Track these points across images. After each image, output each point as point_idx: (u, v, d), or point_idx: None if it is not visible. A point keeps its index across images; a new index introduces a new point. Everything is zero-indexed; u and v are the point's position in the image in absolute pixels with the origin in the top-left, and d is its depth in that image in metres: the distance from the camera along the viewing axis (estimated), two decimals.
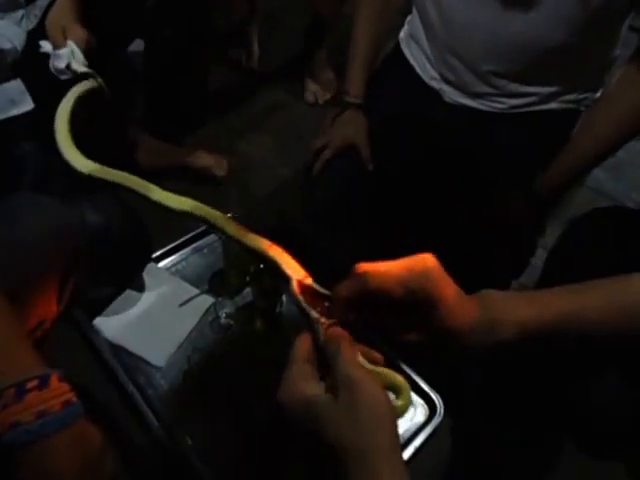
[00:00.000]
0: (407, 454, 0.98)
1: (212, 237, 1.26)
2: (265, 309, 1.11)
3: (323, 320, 0.45)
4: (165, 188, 0.59)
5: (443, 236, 1.11)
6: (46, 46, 0.84)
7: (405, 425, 1.02)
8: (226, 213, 0.56)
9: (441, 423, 1.03)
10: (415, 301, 0.46)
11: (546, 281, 0.97)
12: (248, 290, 1.15)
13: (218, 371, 1.06)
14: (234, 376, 1.05)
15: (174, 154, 1.56)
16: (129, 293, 1.15)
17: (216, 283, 1.19)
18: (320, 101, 1.92)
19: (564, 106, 1.04)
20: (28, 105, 0.83)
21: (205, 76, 1.66)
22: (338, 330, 0.45)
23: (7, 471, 0.45)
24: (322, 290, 0.47)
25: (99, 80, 0.80)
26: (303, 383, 0.42)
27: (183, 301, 1.15)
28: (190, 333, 1.11)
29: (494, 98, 1.03)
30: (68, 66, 0.79)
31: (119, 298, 1.14)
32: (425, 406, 1.05)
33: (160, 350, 1.08)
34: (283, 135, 1.80)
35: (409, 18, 1.14)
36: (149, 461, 0.98)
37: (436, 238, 1.15)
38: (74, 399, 0.48)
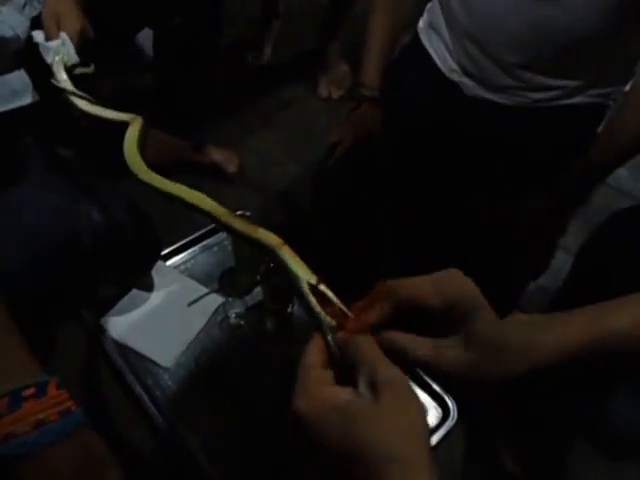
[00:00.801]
0: None
1: (222, 235, 1.24)
2: (276, 309, 1.09)
3: (334, 323, 0.42)
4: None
5: (461, 234, 1.08)
6: (38, 36, 0.82)
7: None
8: (236, 210, 0.53)
9: (454, 427, 1.00)
10: (451, 310, 0.42)
11: (574, 283, 0.94)
12: (258, 289, 1.13)
13: (227, 372, 1.04)
14: (243, 377, 1.03)
15: (184, 149, 1.54)
16: (136, 292, 1.14)
17: (226, 282, 1.17)
18: (335, 96, 1.90)
19: (590, 100, 0.99)
20: (32, 97, 0.82)
21: (212, 71, 1.61)
22: (356, 331, 0.42)
23: None
24: (335, 299, 0.44)
25: (92, 68, 0.80)
26: (330, 389, 0.39)
27: (192, 300, 1.13)
28: (199, 333, 1.10)
29: (517, 92, 0.99)
30: (52, 65, 0.79)
31: (126, 297, 1.12)
32: (438, 409, 1.02)
33: (168, 350, 1.07)
34: (295, 131, 1.79)
35: (429, 6, 1.11)
36: (156, 463, 0.97)
37: (453, 236, 1.13)
38: (73, 407, 0.46)
